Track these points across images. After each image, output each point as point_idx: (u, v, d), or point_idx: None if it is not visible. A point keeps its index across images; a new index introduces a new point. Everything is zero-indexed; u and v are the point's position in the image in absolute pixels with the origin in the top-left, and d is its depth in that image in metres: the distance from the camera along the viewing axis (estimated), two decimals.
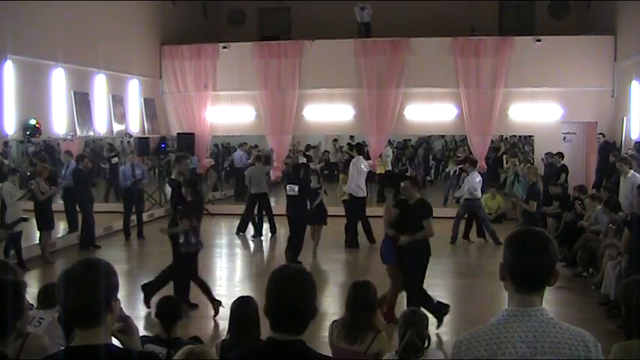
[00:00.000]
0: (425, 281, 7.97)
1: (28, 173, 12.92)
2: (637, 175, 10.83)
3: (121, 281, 2.59)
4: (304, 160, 18.11)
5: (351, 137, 20.11)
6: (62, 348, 3.01)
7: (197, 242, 8.24)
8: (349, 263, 11.90)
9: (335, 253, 12.10)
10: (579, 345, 2.28)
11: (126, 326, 2.61)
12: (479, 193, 13.07)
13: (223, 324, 7.24)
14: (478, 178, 13.02)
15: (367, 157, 14.97)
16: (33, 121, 11.79)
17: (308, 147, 21.39)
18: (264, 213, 13.88)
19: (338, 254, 12.11)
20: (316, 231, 11.73)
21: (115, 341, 2.54)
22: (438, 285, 10.00)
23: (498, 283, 2.47)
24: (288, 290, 2.43)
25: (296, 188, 10.97)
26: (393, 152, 19.51)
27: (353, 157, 13.71)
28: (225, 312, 7.95)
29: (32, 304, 4.05)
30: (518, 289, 2.35)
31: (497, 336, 2.27)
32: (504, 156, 18.02)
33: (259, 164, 13.93)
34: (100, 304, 2.30)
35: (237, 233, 14.05)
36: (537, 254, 2.32)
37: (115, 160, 15.63)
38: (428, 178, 21.73)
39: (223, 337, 4.51)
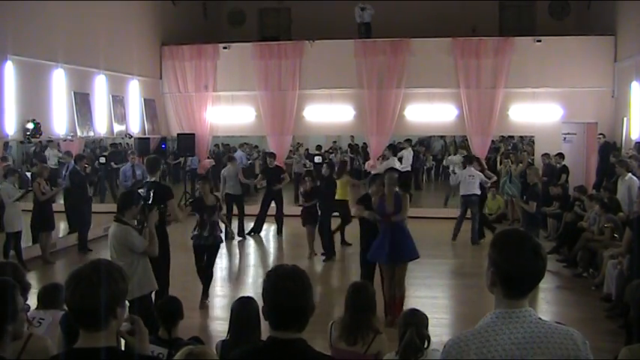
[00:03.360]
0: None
1: (29, 173, 12.88)
2: (634, 177, 10.86)
3: None
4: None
5: (352, 137, 20.13)
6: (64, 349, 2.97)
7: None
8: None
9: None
10: (569, 344, 2.27)
11: (135, 327, 2.55)
12: (470, 188, 12.97)
13: (223, 324, 7.24)
14: (471, 174, 13.03)
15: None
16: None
17: (305, 150, 21.19)
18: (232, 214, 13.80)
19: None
20: (309, 232, 11.78)
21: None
22: (438, 285, 10.01)
23: None
24: (286, 288, 2.44)
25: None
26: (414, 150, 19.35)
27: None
28: (225, 312, 7.94)
29: (28, 305, 4.02)
30: (508, 295, 2.32)
31: (487, 339, 2.25)
32: (498, 157, 17.99)
33: (233, 165, 13.89)
34: (105, 309, 2.25)
35: (250, 233, 13.97)
36: (531, 261, 2.30)
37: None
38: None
39: (223, 338, 4.51)
